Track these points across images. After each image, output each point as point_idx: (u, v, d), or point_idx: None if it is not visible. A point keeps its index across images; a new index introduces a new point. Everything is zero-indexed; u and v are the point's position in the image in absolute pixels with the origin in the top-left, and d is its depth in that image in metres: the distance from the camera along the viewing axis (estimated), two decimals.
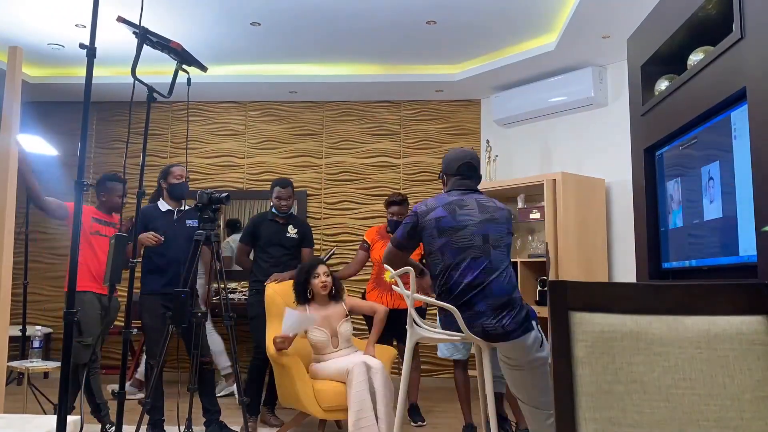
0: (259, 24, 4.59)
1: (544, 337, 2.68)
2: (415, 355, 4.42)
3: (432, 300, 2.80)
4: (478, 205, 2.73)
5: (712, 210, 2.45)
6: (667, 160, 2.89)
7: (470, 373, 5.11)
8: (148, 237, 3.61)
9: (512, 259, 4.97)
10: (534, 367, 2.65)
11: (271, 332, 3.84)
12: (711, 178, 2.48)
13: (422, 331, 2.87)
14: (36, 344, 3.92)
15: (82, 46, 1.88)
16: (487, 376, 2.82)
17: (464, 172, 2.86)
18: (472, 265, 2.60)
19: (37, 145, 5.15)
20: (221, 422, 3.77)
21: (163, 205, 3.84)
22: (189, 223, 3.79)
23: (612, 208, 4.98)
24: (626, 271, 4.76)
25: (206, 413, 3.76)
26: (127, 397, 3.43)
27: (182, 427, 3.34)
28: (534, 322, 2.63)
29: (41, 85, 5.69)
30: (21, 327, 5.00)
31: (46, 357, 5.84)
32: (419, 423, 4.11)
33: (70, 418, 1.80)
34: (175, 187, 3.82)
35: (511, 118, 5.60)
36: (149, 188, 4.30)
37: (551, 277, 4.52)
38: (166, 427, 3.76)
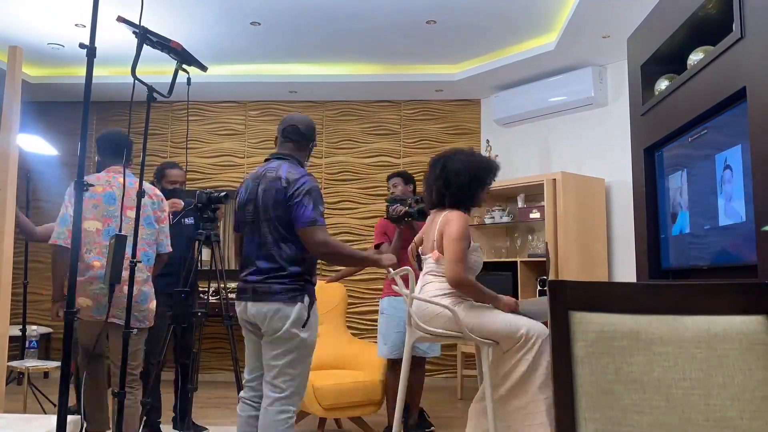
0: (259, 24, 4.59)
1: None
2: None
3: (432, 300, 2.80)
4: (257, 175, 2.61)
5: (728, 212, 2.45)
6: (668, 159, 2.89)
7: (469, 373, 5.10)
8: (174, 202, 3.59)
9: (512, 259, 5.01)
10: None
11: None
12: (728, 166, 2.47)
13: (421, 330, 2.87)
14: (32, 344, 3.88)
15: (82, 45, 1.87)
16: (486, 376, 2.82)
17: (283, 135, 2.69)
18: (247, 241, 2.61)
19: (37, 145, 5.15)
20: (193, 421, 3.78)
21: None
22: (186, 221, 3.78)
23: (612, 208, 4.98)
24: (626, 271, 4.76)
25: (181, 411, 3.76)
26: None
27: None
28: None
29: (41, 84, 5.69)
30: (21, 327, 5.00)
31: (46, 357, 5.84)
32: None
33: (70, 418, 1.80)
34: (168, 193, 3.77)
35: (511, 118, 5.60)
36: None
37: (551, 276, 4.52)
38: (162, 427, 3.76)
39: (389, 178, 4.23)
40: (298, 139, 2.65)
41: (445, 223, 2.80)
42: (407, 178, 4.08)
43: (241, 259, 2.66)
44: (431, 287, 2.82)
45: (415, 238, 3.16)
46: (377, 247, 3.89)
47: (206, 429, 3.85)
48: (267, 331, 2.46)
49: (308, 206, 2.45)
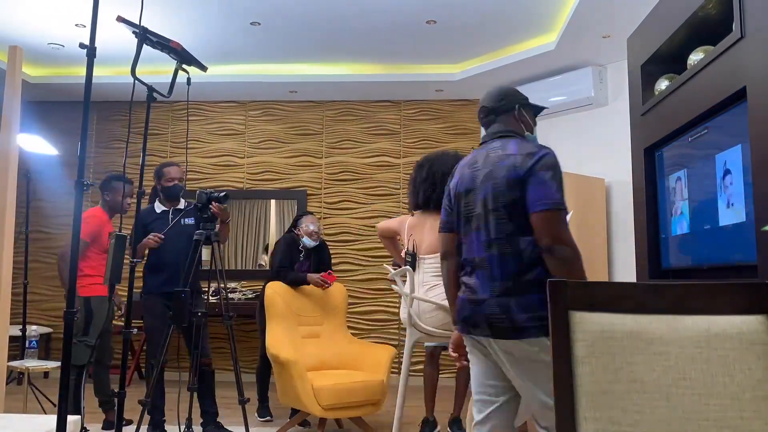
0: (259, 23, 4.59)
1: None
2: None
3: (431, 300, 2.80)
4: (485, 158, 2.02)
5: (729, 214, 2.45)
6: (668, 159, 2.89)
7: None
8: (150, 239, 3.62)
9: None
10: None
11: (272, 333, 3.84)
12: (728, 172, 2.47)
13: (421, 329, 2.87)
14: (32, 344, 3.91)
15: (82, 45, 1.88)
16: None
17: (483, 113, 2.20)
18: (474, 239, 2.00)
19: (37, 145, 5.15)
20: (218, 422, 3.77)
21: (159, 207, 3.83)
22: (185, 221, 3.79)
23: (612, 207, 4.98)
24: (626, 271, 4.76)
25: (204, 414, 3.76)
26: None
27: (182, 427, 3.34)
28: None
29: (41, 84, 5.69)
30: (21, 327, 5.01)
31: (46, 357, 5.84)
32: None
33: (70, 418, 1.80)
34: (167, 190, 3.81)
35: None
36: (149, 188, 4.31)
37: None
38: (165, 427, 3.76)
39: None
40: (506, 109, 2.11)
41: None
42: None
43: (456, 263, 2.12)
44: (441, 288, 2.80)
45: (402, 237, 3.12)
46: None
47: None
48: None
49: (551, 185, 1.86)
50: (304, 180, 6.12)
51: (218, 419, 3.80)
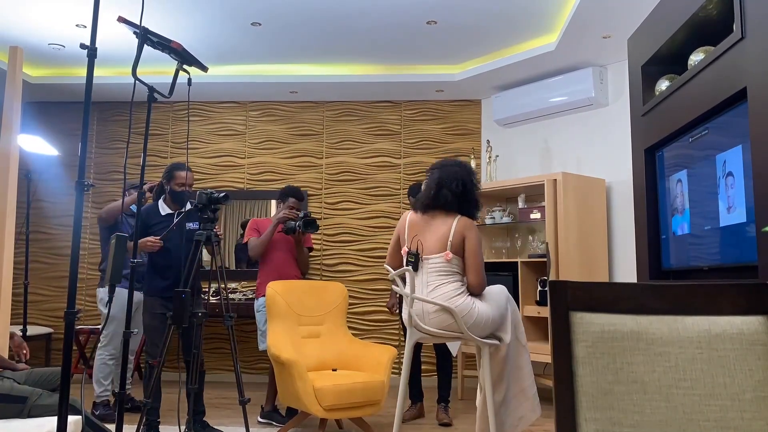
0: (260, 24, 4.60)
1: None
2: None
3: (432, 300, 2.80)
4: None
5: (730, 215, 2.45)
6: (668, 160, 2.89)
7: (469, 373, 5.10)
8: (148, 243, 3.61)
9: (513, 260, 5.02)
10: None
11: (272, 333, 3.84)
12: (730, 174, 2.47)
13: (422, 330, 2.87)
14: None
15: (82, 46, 1.88)
16: (486, 377, 2.83)
17: None
18: None
19: (38, 145, 5.16)
20: (204, 422, 3.77)
21: (164, 209, 3.80)
22: (189, 225, 3.78)
23: (612, 208, 4.98)
24: (626, 271, 4.76)
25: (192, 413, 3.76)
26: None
27: (182, 428, 3.34)
28: None
29: (42, 85, 5.69)
30: (21, 327, 5.01)
31: (46, 358, 5.84)
32: None
33: (70, 418, 1.80)
34: (176, 194, 3.80)
35: (512, 118, 5.60)
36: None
37: (551, 277, 4.52)
38: (166, 427, 3.76)
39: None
40: None
41: (465, 229, 2.92)
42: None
43: None
44: (445, 288, 2.83)
45: (402, 239, 3.13)
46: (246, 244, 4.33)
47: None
48: None
49: None
50: (304, 180, 6.12)
51: (204, 418, 3.80)
